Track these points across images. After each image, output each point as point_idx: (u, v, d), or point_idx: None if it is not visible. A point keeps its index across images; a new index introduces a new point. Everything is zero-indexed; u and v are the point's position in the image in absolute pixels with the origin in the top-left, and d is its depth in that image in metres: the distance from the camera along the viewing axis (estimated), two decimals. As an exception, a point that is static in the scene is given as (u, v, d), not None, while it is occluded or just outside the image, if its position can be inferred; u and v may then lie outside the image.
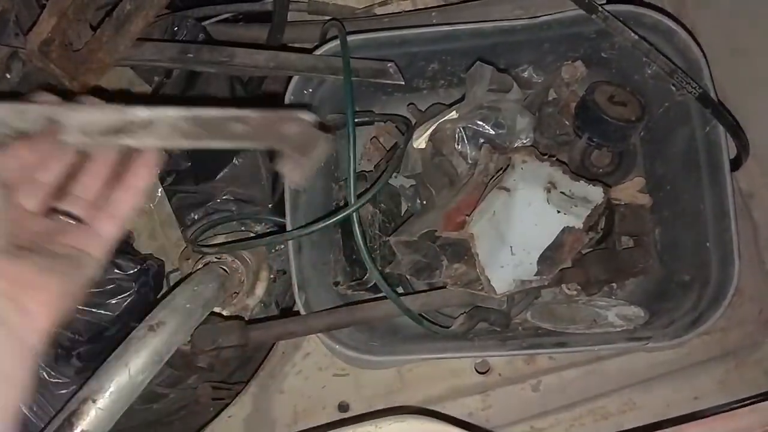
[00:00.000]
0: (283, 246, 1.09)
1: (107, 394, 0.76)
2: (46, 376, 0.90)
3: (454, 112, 1.00)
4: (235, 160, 1.13)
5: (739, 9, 1.08)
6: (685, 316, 0.95)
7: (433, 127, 1.02)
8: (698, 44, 0.93)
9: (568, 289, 1.10)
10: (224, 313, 1.03)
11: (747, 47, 1.06)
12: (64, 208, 0.62)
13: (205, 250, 0.99)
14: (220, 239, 1.07)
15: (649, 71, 0.98)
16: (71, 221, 0.62)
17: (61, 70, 0.91)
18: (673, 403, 1.04)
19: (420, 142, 1.04)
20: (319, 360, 1.10)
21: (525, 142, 1.01)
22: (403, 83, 0.99)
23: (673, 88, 0.93)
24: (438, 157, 1.04)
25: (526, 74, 1.06)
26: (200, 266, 0.99)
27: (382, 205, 1.08)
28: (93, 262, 0.61)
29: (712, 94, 0.90)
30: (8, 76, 0.89)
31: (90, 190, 0.64)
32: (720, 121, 0.88)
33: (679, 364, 1.06)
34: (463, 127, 1.00)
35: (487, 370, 1.10)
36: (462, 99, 1.05)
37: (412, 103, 1.10)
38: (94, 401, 0.75)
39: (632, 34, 0.88)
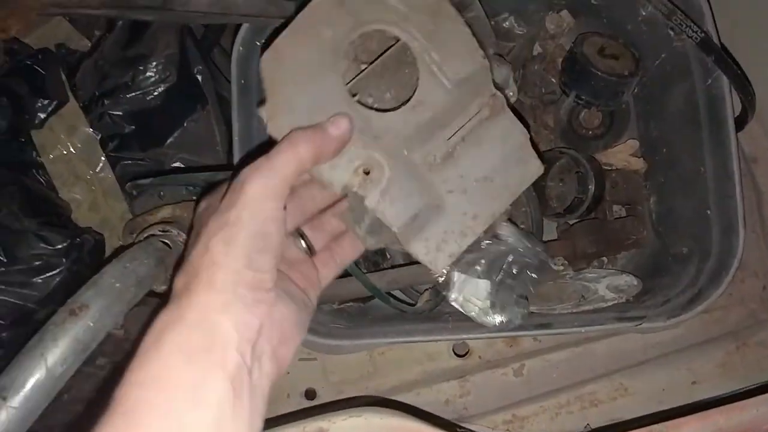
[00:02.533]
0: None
1: (21, 390, 0.66)
2: (-41, 365, 0.79)
3: None
4: (186, 123, 1.02)
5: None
6: (683, 293, 0.86)
7: None
8: (700, -16, 0.82)
9: (554, 264, 1.00)
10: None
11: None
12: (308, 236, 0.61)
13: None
14: (167, 210, 0.97)
15: (644, 13, 0.87)
16: (308, 253, 0.61)
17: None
18: (669, 388, 0.95)
19: None
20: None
21: (510, 96, 0.90)
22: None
23: (671, 33, 0.82)
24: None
25: (507, 24, 0.95)
26: (141, 240, 0.88)
27: None
28: (311, 307, 0.57)
29: (715, 40, 0.80)
30: None
31: (328, 229, 0.63)
32: (723, 70, 0.77)
33: (675, 345, 0.97)
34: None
35: (466, 353, 1.02)
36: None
37: None
38: (4, 399, 0.65)
39: (625, -30, 0.77)
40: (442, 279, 0.84)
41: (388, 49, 0.64)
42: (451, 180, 0.62)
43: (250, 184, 0.49)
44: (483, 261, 0.82)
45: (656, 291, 0.90)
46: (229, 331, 0.46)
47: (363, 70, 0.64)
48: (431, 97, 0.62)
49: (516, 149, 0.64)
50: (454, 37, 0.63)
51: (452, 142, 0.63)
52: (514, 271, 0.83)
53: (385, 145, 0.61)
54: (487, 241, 0.82)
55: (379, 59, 0.63)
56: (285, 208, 0.51)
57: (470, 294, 0.82)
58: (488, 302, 0.82)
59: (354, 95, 0.62)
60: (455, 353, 1.02)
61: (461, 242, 0.62)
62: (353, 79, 0.63)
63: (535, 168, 0.64)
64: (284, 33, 0.60)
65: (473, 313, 0.83)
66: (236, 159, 0.85)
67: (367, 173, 0.60)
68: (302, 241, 0.61)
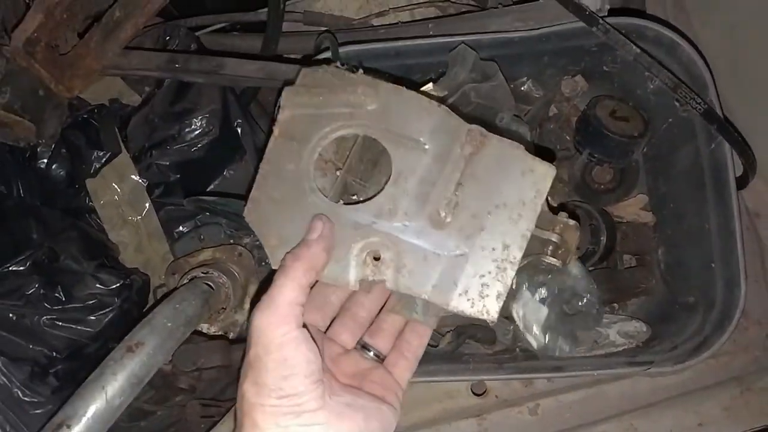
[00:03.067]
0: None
1: (83, 419, 0.72)
2: (20, 395, 0.86)
3: (430, 84, 0.96)
4: (225, 173, 1.10)
5: (744, 21, 1.04)
6: (689, 340, 0.91)
7: None
8: (703, 58, 0.90)
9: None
10: (211, 330, 1.00)
11: (753, 61, 1.03)
12: (372, 344, 0.63)
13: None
14: (208, 253, 1.04)
15: (652, 86, 0.95)
16: (377, 360, 0.62)
17: (46, 71, 0.88)
18: (676, 430, 1.00)
19: None
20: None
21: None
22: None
23: (677, 104, 0.90)
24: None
25: (525, 88, 1.03)
26: (185, 281, 0.95)
27: None
28: (392, 413, 0.58)
29: (718, 110, 0.87)
30: (-9, 72, 0.87)
31: (388, 329, 0.64)
32: (726, 138, 0.85)
33: (682, 388, 1.01)
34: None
35: (484, 392, 1.06)
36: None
37: (387, 74, 1.01)
38: (68, 427, 0.72)
39: (634, 48, 0.84)
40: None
41: (352, 148, 0.68)
42: (466, 225, 0.62)
43: (256, 322, 0.52)
44: (547, 287, 0.87)
45: (664, 337, 0.96)
46: None
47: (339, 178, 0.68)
48: (408, 164, 0.63)
49: (516, 164, 0.62)
50: (402, 105, 0.64)
51: (449, 192, 0.62)
52: (572, 307, 0.88)
53: (381, 226, 0.62)
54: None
55: (346, 162, 0.68)
56: (305, 326, 0.53)
57: (531, 313, 0.88)
58: (544, 326, 0.87)
59: (339, 201, 0.66)
60: (473, 392, 1.07)
61: (503, 278, 0.61)
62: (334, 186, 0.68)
63: (544, 170, 0.62)
64: (255, 185, 0.65)
65: (528, 333, 0.88)
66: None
67: (377, 259, 0.62)
68: (368, 351, 0.64)
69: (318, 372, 0.51)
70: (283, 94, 0.66)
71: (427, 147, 0.63)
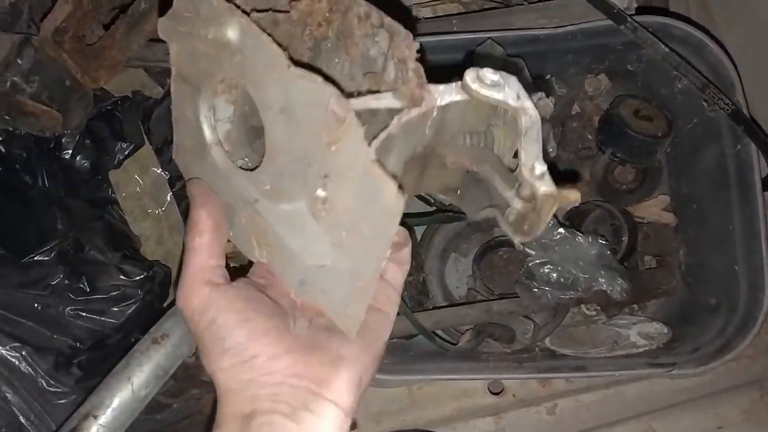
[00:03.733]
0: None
1: (109, 410, 0.73)
2: (44, 384, 0.87)
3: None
4: (247, 165, 1.10)
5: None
6: (711, 342, 0.91)
7: None
8: (731, 59, 0.89)
9: (587, 309, 1.06)
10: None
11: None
12: None
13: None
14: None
15: (679, 86, 0.94)
16: None
17: (73, 62, 0.88)
18: (694, 432, 1.00)
19: None
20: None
21: (549, 152, 0.97)
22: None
23: (705, 104, 0.90)
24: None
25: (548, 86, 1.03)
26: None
27: None
28: (382, 320, 0.52)
29: (745, 111, 0.87)
30: (19, 61, 0.87)
31: None
32: (753, 139, 0.84)
33: (702, 390, 1.01)
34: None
35: (501, 391, 1.07)
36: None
37: None
38: (95, 417, 0.72)
39: (663, 47, 0.84)
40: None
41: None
42: (332, 229, 0.48)
43: (177, 302, 0.52)
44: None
45: (686, 339, 0.96)
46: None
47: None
48: (278, 136, 0.49)
49: (366, 180, 0.43)
50: (260, 61, 0.47)
51: (319, 182, 0.47)
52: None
53: (263, 208, 0.52)
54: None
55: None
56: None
57: None
58: None
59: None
60: (490, 391, 1.07)
61: (358, 306, 0.49)
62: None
63: (391, 198, 0.42)
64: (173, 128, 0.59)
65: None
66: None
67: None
68: None
69: (259, 318, 0.48)
70: (159, 23, 0.53)
71: (288, 122, 0.47)
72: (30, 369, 0.86)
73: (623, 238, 1.00)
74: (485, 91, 0.46)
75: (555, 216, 1.00)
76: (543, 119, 0.90)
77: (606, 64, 1.02)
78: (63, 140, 0.99)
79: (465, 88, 0.46)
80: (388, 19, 0.48)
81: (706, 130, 0.95)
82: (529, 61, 0.99)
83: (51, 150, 0.99)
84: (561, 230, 0.94)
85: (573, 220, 1.03)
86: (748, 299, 0.89)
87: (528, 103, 0.46)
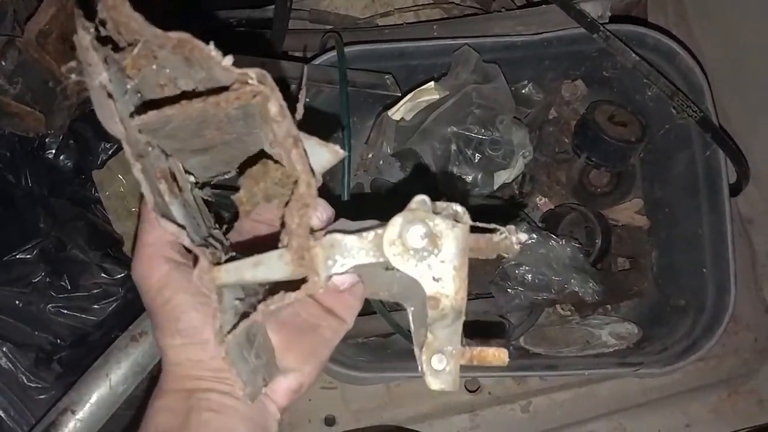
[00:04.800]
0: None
1: (87, 405, 0.75)
2: (25, 380, 0.88)
3: (432, 83, 0.98)
4: (229, 167, 1.12)
5: (743, 30, 1.06)
6: (679, 342, 0.94)
7: (410, 96, 0.99)
8: (701, 66, 0.92)
9: (562, 309, 1.08)
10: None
11: (752, 69, 1.05)
12: None
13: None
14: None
15: (650, 93, 0.97)
16: None
17: (57, 63, 0.90)
18: (664, 430, 1.02)
19: (396, 112, 1.01)
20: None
21: (526, 156, 0.99)
22: (400, 95, 0.97)
23: (674, 111, 0.92)
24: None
25: (525, 91, 1.05)
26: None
27: None
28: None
29: (714, 119, 0.89)
30: (3, 63, 0.88)
31: None
32: (720, 146, 0.87)
33: (672, 389, 1.04)
34: (456, 135, 0.98)
35: (477, 389, 1.09)
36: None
37: (390, 74, 1.03)
38: (73, 412, 0.75)
39: (633, 55, 0.86)
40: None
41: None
42: None
43: (132, 274, 0.49)
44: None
45: (655, 339, 0.98)
46: None
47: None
48: None
49: None
50: None
51: None
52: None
53: None
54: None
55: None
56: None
57: None
58: None
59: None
60: (467, 389, 1.09)
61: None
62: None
63: None
64: None
65: None
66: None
67: None
68: None
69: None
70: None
71: None
72: (11, 365, 0.88)
73: (597, 240, 1.02)
74: (399, 262, 0.38)
75: (529, 219, 1.03)
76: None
77: (582, 70, 1.05)
78: (46, 140, 1.00)
79: (378, 250, 0.39)
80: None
81: (678, 136, 0.98)
82: (507, 68, 1.01)
83: (35, 150, 1.00)
84: (534, 235, 0.97)
85: (548, 222, 1.06)
86: (715, 301, 0.91)
87: (448, 288, 0.40)
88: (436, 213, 0.39)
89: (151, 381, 1.02)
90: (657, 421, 1.03)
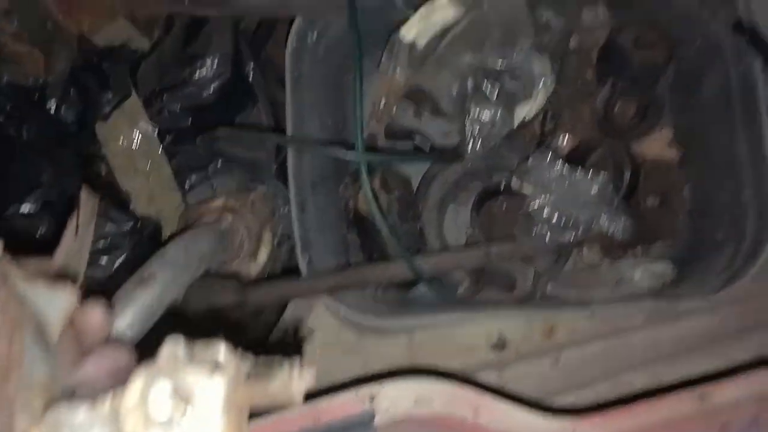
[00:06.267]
0: (287, 208, 1.04)
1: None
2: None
3: None
4: (237, 120, 1.08)
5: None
6: (719, 275, 0.88)
7: (422, 12, 0.93)
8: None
9: (589, 253, 1.03)
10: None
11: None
12: None
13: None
14: (220, 201, 1.02)
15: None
16: None
17: (54, 2, 0.86)
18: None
19: (409, 32, 0.95)
20: (325, 336, 1.04)
21: (548, 86, 0.94)
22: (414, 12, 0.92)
23: (705, 14, 0.85)
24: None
25: (544, 18, 0.99)
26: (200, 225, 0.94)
27: (396, 192, 1.01)
28: None
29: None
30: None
31: None
32: (757, 49, 0.80)
33: (709, 335, 0.97)
34: (472, 68, 0.93)
35: (504, 346, 1.03)
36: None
37: None
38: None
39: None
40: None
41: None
42: None
43: None
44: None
45: (692, 276, 0.93)
46: None
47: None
48: None
49: None
50: None
51: None
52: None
53: None
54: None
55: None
56: None
57: None
58: None
59: None
60: (492, 346, 1.04)
61: None
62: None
63: None
64: None
65: None
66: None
67: None
68: None
69: None
70: None
71: None
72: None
73: (625, 175, 0.96)
74: None
75: (553, 151, 0.98)
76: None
77: (605, -10, 0.99)
78: (47, 90, 0.97)
79: (115, 423, 0.31)
80: None
81: (709, 53, 0.92)
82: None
83: (36, 101, 0.96)
84: (559, 166, 0.91)
85: (573, 159, 1.00)
86: (756, 227, 0.85)
87: None
88: (191, 362, 0.31)
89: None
90: (698, 370, 0.96)
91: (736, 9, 0.83)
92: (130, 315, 0.74)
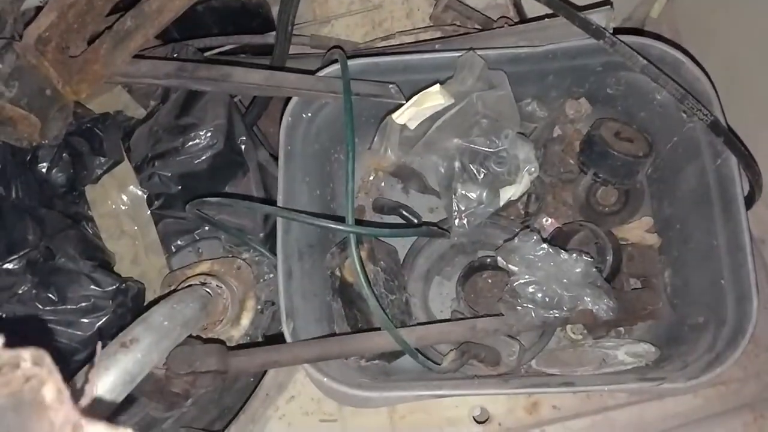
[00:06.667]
0: (272, 275, 1.04)
1: (69, 415, 0.69)
2: (4, 398, 0.81)
3: (437, 86, 0.96)
4: (227, 188, 1.09)
5: (741, 53, 1.07)
6: (701, 358, 0.89)
7: (415, 99, 0.97)
8: (707, 75, 0.91)
9: (573, 333, 1.04)
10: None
11: (749, 85, 1.05)
12: None
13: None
14: (206, 265, 1.02)
15: (659, 97, 0.95)
16: None
17: (55, 71, 0.88)
18: (687, 459, 0.96)
19: (401, 115, 0.98)
20: (305, 404, 1.02)
21: (532, 172, 0.97)
22: (405, 102, 0.96)
23: (684, 116, 0.90)
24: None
25: (530, 108, 1.04)
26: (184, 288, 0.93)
27: (382, 263, 1.03)
28: None
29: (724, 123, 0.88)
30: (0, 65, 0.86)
31: None
32: (732, 150, 0.85)
33: (693, 416, 0.98)
34: (460, 149, 0.96)
35: (486, 420, 1.02)
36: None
37: (395, 83, 1.01)
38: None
39: (641, 59, 0.86)
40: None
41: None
42: None
43: None
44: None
45: (674, 358, 0.93)
46: None
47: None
48: None
49: None
50: None
51: None
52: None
53: None
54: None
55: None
56: None
57: None
58: None
59: None
60: (475, 420, 1.03)
61: None
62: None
63: None
64: None
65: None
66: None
67: None
68: None
69: None
70: None
71: None
72: (-10, 380, 0.81)
73: (608, 258, 0.99)
74: None
75: (538, 233, 1.00)
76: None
77: (586, 87, 1.04)
78: (40, 152, 0.97)
79: None
80: None
81: (686, 149, 0.96)
82: (511, 84, 1.00)
83: (27, 162, 0.97)
84: (545, 246, 0.93)
85: (556, 240, 1.02)
86: (736, 312, 0.87)
87: None
88: None
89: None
90: (680, 451, 0.96)
91: (713, 111, 0.87)
92: (112, 379, 0.72)
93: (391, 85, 0.97)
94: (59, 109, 0.94)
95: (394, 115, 0.97)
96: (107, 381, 0.71)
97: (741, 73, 1.07)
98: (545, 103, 1.06)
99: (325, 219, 0.88)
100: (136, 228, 1.06)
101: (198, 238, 1.07)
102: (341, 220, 0.89)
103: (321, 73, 0.98)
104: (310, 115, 1.00)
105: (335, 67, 0.97)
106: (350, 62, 0.97)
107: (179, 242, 1.06)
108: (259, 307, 1.03)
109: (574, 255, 0.95)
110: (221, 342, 0.90)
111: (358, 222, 1.07)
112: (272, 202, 0.98)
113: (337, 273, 1.02)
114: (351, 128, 0.88)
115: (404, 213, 1.09)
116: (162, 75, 0.99)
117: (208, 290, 0.92)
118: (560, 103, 1.05)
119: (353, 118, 0.90)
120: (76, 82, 0.95)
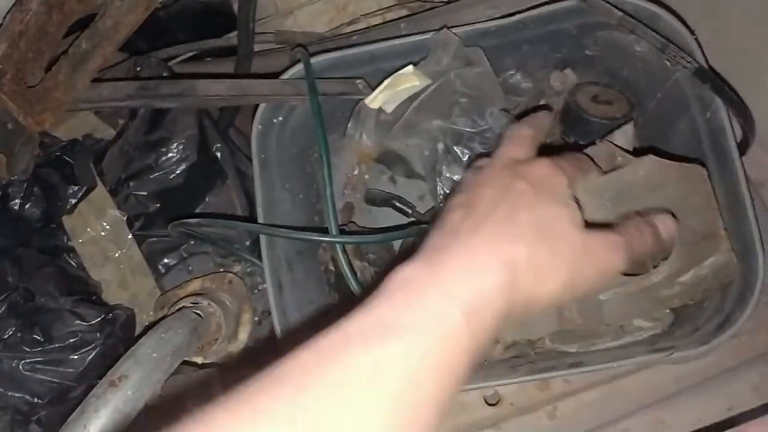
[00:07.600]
0: (265, 285, 1.01)
1: (65, 462, 0.68)
2: (1, 447, 0.81)
3: (411, 67, 0.92)
4: (207, 199, 1.06)
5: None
6: (711, 319, 0.86)
7: (388, 82, 0.93)
8: (686, 26, 0.87)
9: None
10: (206, 362, 0.95)
11: (735, 37, 1.00)
12: None
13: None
14: (197, 283, 1.00)
15: (638, 49, 0.91)
16: None
17: (14, 104, 0.85)
18: (705, 417, 0.93)
19: (374, 99, 0.94)
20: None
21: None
22: (376, 89, 0.92)
23: (668, 65, 0.85)
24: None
25: (513, 80, 1.00)
26: (172, 312, 0.91)
27: (370, 255, 1.00)
28: None
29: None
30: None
31: None
32: (721, 96, 0.81)
33: (706, 373, 0.95)
34: (442, 130, 0.92)
35: (498, 401, 1.01)
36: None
37: (362, 78, 0.97)
38: (50, 472, 0.67)
39: (616, 11, 0.81)
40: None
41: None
42: None
43: None
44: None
45: (685, 322, 0.91)
46: None
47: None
48: None
49: None
50: None
51: None
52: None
53: None
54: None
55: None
56: None
57: None
58: None
59: None
60: (487, 402, 1.01)
61: None
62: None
63: None
64: None
65: None
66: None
67: None
68: None
69: None
70: None
71: None
72: (-17, 431, 0.80)
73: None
74: None
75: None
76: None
77: (564, 52, 1.00)
78: (10, 190, 0.95)
79: None
80: None
81: (673, 103, 0.92)
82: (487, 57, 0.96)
83: (-2, 202, 0.94)
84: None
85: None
86: (741, 269, 0.84)
87: None
88: None
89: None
90: (696, 408, 0.94)
91: (696, 58, 0.83)
92: (103, 419, 0.71)
93: (358, 81, 0.93)
94: (24, 142, 0.91)
95: (367, 100, 0.93)
96: (98, 424, 0.69)
97: (723, 21, 1.02)
98: (528, 73, 1.01)
99: (308, 232, 0.85)
100: (119, 252, 1.03)
101: (186, 255, 1.04)
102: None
103: (286, 75, 0.94)
104: (281, 119, 0.97)
105: (299, 67, 0.94)
106: (315, 60, 0.93)
107: (167, 261, 1.04)
108: (256, 318, 1.01)
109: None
110: (218, 365, 0.88)
111: (346, 225, 1.04)
112: (254, 211, 0.95)
113: (331, 267, 1.00)
114: (322, 131, 0.85)
115: (397, 204, 1.06)
116: (124, 96, 0.96)
117: (197, 311, 0.90)
118: (544, 74, 1.01)
119: (323, 119, 0.87)
120: (38, 112, 0.92)
